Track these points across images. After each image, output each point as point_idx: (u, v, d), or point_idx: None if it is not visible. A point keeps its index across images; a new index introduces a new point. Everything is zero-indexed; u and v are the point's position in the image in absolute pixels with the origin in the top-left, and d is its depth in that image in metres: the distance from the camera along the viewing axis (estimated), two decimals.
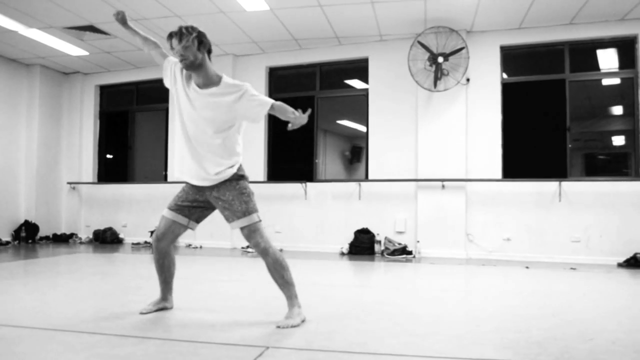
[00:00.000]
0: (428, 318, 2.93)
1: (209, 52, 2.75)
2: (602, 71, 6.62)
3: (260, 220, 2.74)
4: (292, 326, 2.61)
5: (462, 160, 6.59)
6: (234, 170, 2.74)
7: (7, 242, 7.57)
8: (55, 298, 3.45)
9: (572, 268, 5.47)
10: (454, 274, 5.10)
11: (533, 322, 2.83)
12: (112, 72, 8.62)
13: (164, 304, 3.01)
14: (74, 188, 8.74)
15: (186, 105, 2.73)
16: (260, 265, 5.91)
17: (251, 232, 2.71)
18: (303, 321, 2.71)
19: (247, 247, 7.16)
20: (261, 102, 2.69)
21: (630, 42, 6.31)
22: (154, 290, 3.17)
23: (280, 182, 7.51)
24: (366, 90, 7.31)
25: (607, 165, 6.88)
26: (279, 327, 2.61)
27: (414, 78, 6.57)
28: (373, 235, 6.81)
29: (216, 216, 8.18)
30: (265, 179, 7.64)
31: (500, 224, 6.48)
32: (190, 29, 2.64)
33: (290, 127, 2.65)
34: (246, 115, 2.73)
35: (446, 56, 6.37)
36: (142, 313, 2.90)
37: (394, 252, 6.48)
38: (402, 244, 6.61)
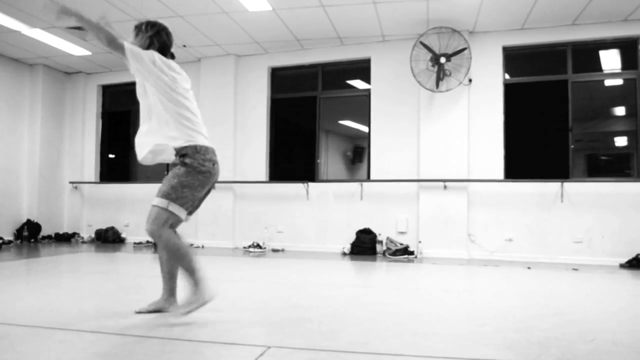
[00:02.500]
0: (429, 318, 2.93)
1: (162, 48, 2.82)
2: (604, 72, 6.62)
3: (167, 210, 2.62)
4: (188, 312, 2.59)
5: (464, 161, 6.59)
6: (170, 148, 2.64)
7: (10, 241, 7.59)
8: (57, 297, 3.45)
9: (574, 269, 5.47)
10: (456, 274, 5.09)
11: (534, 322, 2.83)
12: (114, 72, 8.64)
13: (162, 304, 2.91)
14: (76, 187, 8.76)
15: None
16: (262, 264, 5.94)
17: (151, 213, 2.67)
18: (201, 305, 2.63)
19: (249, 246, 7.17)
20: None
21: (633, 43, 6.30)
22: (156, 290, 3.16)
23: (282, 182, 7.51)
24: (368, 90, 7.31)
25: (609, 166, 6.88)
26: (174, 316, 2.61)
27: (416, 78, 6.57)
28: (375, 236, 6.81)
29: (218, 216, 8.13)
30: (267, 179, 7.65)
31: (502, 224, 6.48)
32: (145, 28, 2.84)
33: None
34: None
35: (448, 57, 6.37)
36: (136, 312, 2.87)
37: (396, 252, 6.48)
38: (404, 244, 6.60)
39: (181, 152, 2.66)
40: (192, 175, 2.65)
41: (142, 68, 2.65)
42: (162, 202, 2.63)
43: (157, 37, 2.83)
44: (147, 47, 2.80)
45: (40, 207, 8.28)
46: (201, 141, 2.72)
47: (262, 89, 7.75)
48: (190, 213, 2.78)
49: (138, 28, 2.87)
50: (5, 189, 7.91)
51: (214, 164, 2.75)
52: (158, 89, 2.68)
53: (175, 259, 2.65)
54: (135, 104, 2.84)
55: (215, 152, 2.80)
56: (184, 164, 2.65)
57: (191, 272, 2.66)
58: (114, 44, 2.59)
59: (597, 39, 6.38)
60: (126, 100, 8.77)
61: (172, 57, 2.91)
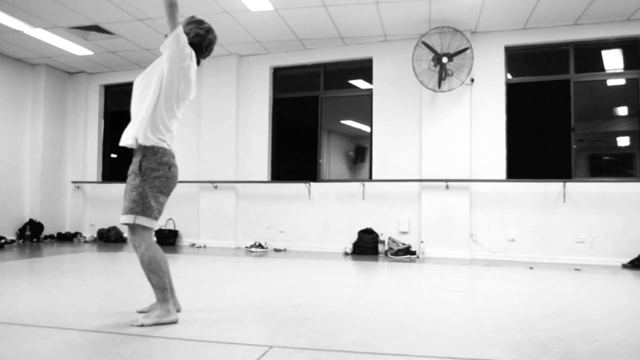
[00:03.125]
0: (432, 318, 2.93)
1: (192, 46, 2.83)
2: (607, 72, 6.60)
3: (136, 224, 2.58)
4: (142, 325, 2.54)
5: (466, 161, 6.58)
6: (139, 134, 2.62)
7: (12, 241, 7.60)
8: (59, 296, 3.46)
9: (576, 269, 5.46)
10: (458, 275, 5.09)
11: (537, 322, 2.82)
12: (116, 71, 8.65)
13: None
14: (78, 187, 8.77)
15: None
16: (264, 264, 5.94)
17: (129, 231, 2.64)
18: (157, 324, 2.57)
19: (251, 246, 7.17)
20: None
21: (635, 43, 6.29)
22: None
23: (284, 182, 7.51)
24: (370, 90, 7.31)
25: (611, 166, 6.85)
26: (131, 323, 2.56)
27: (418, 78, 6.56)
28: (377, 236, 6.80)
29: (220, 216, 8.11)
30: (269, 179, 7.65)
31: (504, 224, 6.47)
32: (191, 21, 2.93)
33: None
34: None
35: (450, 56, 6.36)
36: (138, 312, 2.88)
37: (398, 252, 6.47)
38: (406, 244, 6.60)
39: (141, 151, 2.62)
40: (148, 182, 2.60)
41: (176, 52, 2.63)
42: (129, 219, 2.58)
43: (192, 33, 2.84)
44: None
45: (42, 206, 8.30)
46: (162, 145, 2.65)
47: (264, 89, 7.75)
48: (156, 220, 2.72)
49: (189, 18, 2.92)
50: (7, 189, 7.93)
51: (169, 167, 2.67)
52: (166, 81, 2.66)
53: (147, 272, 2.62)
54: None
55: (174, 155, 2.73)
56: (139, 170, 2.60)
57: (159, 288, 2.64)
58: (173, 16, 2.64)
59: (599, 38, 6.36)
60: (128, 100, 8.74)
61: (198, 62, 2.88)
